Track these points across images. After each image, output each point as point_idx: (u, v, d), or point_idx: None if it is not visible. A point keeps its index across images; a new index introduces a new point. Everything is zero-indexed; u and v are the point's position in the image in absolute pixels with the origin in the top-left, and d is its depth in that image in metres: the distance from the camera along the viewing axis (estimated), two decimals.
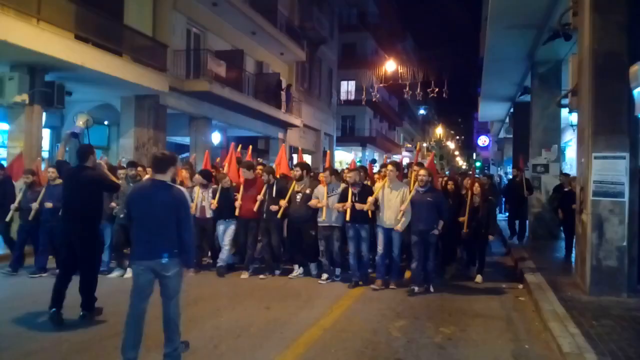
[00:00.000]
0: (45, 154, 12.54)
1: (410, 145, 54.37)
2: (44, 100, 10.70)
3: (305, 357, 4.79)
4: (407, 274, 7.86)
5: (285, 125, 21.65)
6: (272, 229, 8.20)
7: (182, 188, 4.60)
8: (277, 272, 8.33)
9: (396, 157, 41.88)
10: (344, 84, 36.43)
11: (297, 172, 8.25)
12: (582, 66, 7.16)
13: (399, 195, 7.39)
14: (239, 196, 8.20)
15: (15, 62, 10.09)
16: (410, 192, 7.42)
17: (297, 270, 8.27)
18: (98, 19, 11.51)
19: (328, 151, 21.28)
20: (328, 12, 28.13)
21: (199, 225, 8.23)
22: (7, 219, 8.24)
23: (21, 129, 10.54)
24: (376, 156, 37.84)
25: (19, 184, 8.60)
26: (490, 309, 6.65)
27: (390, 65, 32.56)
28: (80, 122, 6.73)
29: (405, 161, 48.49)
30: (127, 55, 12.36)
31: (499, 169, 33.03)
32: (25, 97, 10.18)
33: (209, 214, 8.44)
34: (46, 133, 12.67)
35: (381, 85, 29.58)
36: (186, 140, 16.88)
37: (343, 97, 36.33)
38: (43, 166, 9.13)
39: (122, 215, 7.73)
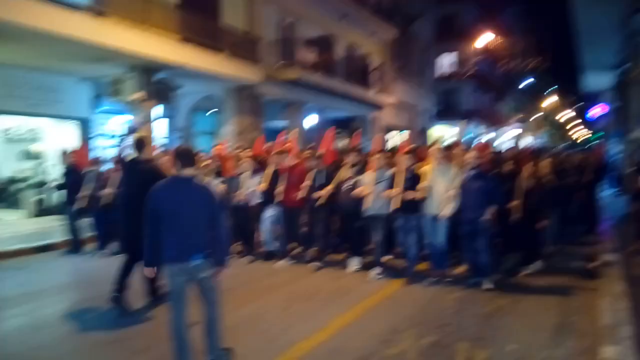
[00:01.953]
0: (165, 140, 14.29)
1: (522, 116, 51.13)
2: (157, 96, 12.36)
3: (361, 319, 5.54)
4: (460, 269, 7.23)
5: (377, 105, 22.12)
6: (318, 217, 7.86)
7: (207, 183, 4.40)
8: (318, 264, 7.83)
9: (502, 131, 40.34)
10: (444, 56, 35.62)
11: (354, 157, 7.79)
12: None
13: (446, 179, 6.74)
14: (281, 183, 7.98)
15: (130, 64, 11.72)
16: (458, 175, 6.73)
17: (354, 262, 7.65)
18: (199, 21, 12.86)
19: (406, 133, 21.23)
20: None
21: (246, 212, 8.34)
22: (76, 207, 8.79)
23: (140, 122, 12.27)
24: (481, 130, 36.80)
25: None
26: (552, 285, 6.83)
27: (491, 36, 31.46)
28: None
29: (514, 134, 46.02)
30: (226, 51, 13.64)
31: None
32: (141, 94, 11.87)
33: (256, 200, 8.30)
34: (165, 122, 14.56)
35: (479, 58, 28.68)
36: (283, 124, 18.06)
37: (444, 70, 35.57)
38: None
39: None
